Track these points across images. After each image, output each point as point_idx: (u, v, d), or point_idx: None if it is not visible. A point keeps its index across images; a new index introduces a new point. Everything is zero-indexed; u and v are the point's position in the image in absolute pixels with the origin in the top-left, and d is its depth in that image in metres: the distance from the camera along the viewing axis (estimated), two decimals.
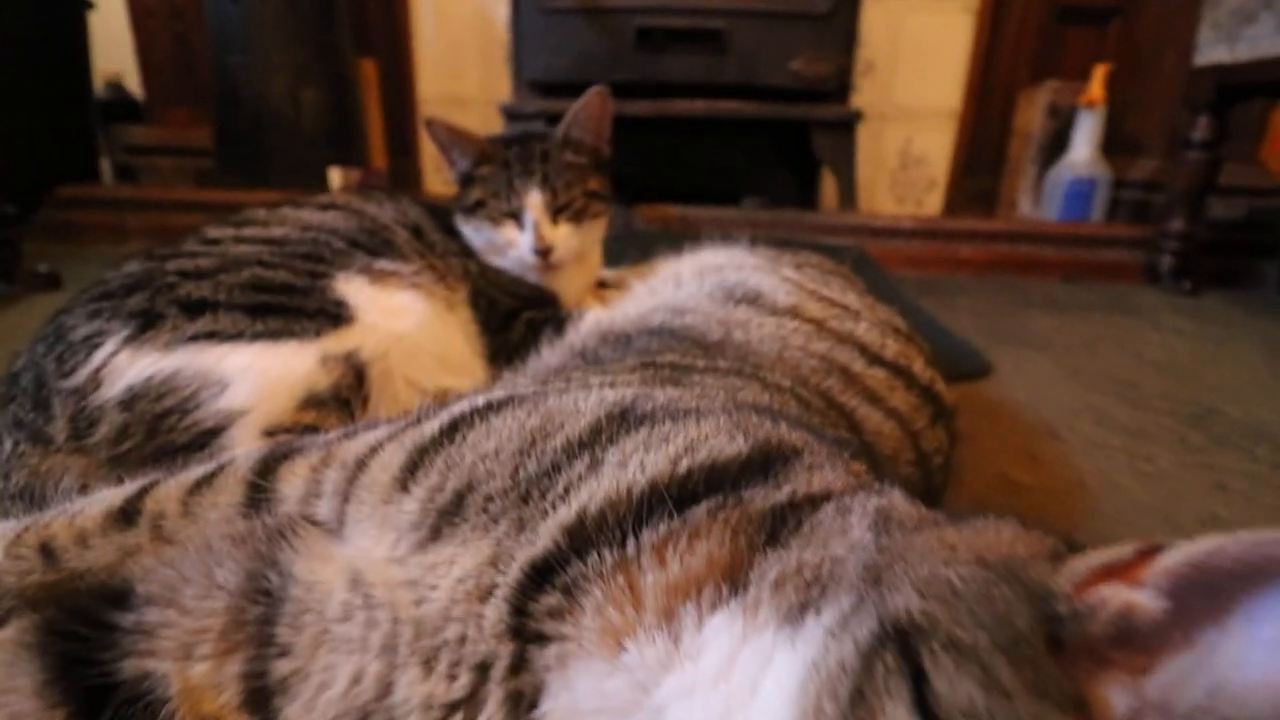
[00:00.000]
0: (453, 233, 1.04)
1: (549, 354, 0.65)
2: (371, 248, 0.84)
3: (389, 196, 1.02)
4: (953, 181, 2.93)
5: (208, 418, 0.60)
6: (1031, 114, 2.58)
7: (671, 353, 0.52)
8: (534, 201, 0.98)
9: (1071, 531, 0.70)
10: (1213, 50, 1.73)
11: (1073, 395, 1.08)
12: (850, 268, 1.97)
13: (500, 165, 0.99)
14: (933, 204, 2.99)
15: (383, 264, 0.81)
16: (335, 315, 0.72)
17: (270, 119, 2.26)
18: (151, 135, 2.70)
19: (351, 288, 0.76)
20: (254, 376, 0.62)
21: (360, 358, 0.70)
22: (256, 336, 0.65)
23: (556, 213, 1.00)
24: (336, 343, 0.69)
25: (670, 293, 0.71)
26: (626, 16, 2.04)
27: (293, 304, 0.70)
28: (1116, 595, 0.24)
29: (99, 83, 2.85)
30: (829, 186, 2.88)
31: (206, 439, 0.59)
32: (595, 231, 1.09)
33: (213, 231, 0.83)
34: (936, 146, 2.91)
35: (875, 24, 2.65)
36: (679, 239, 2.06)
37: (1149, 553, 0.25)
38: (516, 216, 0.99)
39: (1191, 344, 1.41)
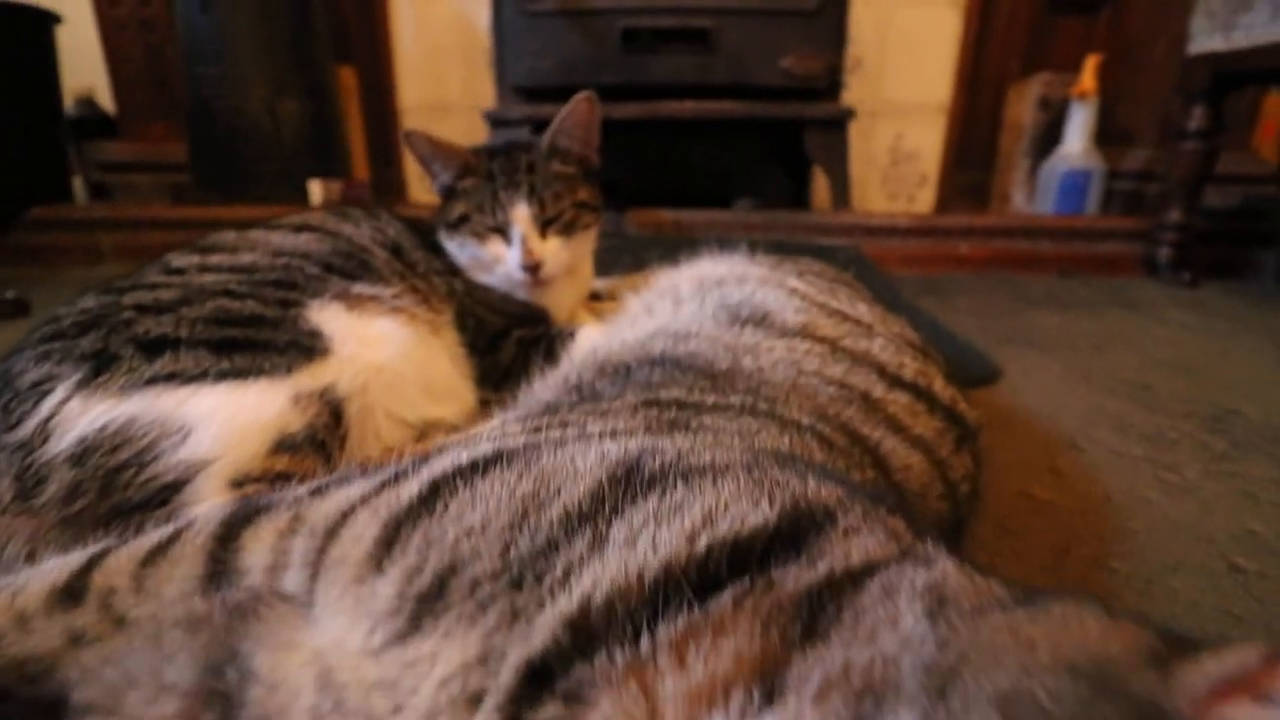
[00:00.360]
0: (436, 249, 0.99)
1: (540, 386, 0.60)
2: (348, 271, 0.79)
3: (366, 214, 0.97)
4: (944, 176, 2.91)
5: (168, 470, 0.54)
6: (1023, 107, 2.55)
7: (676, 386, 0.48)
8: (521, 215, 0.93)
9: (1106, 556, 0.66)
10: (1207, 39, 1.70)
11: (1086, 400, 1.05)
12: (847, 268, 1.93)
13: (484, 178, 0.94)
14: (925, 199, 2.96)
15: (360, 289, 0.76)
16: (309, 348, 0.66)
17: (246, 132, 2.20)
18: (125, 151, 2.63)
19: (326, 316, 0.71)
20: (219, 421, 0.57)
21: (337, 394, 0.65)
22: (222, 376, 0.60)
23: (545, 226, 0.95)
24: (311, 378, 0.64)
25: (669, 312, 0.66)
26: (611, 17, 1.99)
27: (262, 338, 0.64)
28: (1245, 717, 0.20)
29: (70, 99, 2.77)
30: (821, 185, 2.84)
31: (167, 494, 0.54)
32: (586, 243, 1.04)
33: (177, 260, 0.78)
34: (927, 141, 2.89)
35: (862, 20, 2.61)
36: (672, 244, 2.02)
37: (1277, 660, 0.21)
38: (503, 231, 0.94)
39: (1199, 340, 1.38)
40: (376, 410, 0.69)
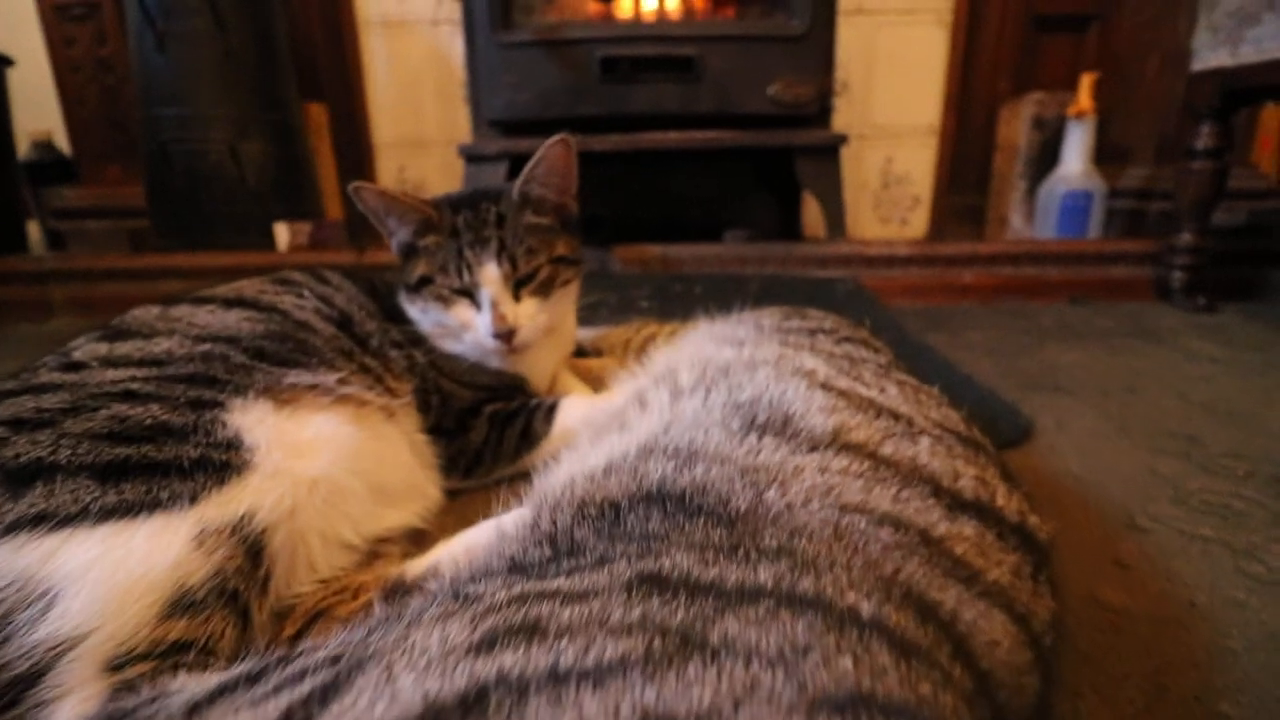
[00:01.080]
0: (397, 315, 0.87)
1: (509, 523, 0.48)
2: (282, 357, 0.67)
3: (314, 279, 0.85)
4: (937, 199, 2.84)
5: (21, 655, 0.42)
6: (1016, 127, 2.48)
7: (682, 546, 0.36)
8: (490, 276, 0.81)
9: (1210, 694, 0.54)
10: (1211, 54, 1.63)
11: (1132, 459, 0.93)
12: (847, 303, 1.83)
13: (448, 234, 0.83)
14: (918, 222, 2.88)
15: (295, 378, 0.64)
16: (222, 465, 0.54)
17: (208, 175, 2.08)
18: (82, 197, 2.50)
19: (250, 419, 0.58)
20: (95, 580, 0.44)
21: (256, 524, 0.52)
22: (105, 514, 0.47)
23: (518, 286, 0.84)
24: (221, 508, 0.51)
25: (667, 408, 0.55)
26: (589, 47, 1.91)
27: (162, 456, 0.52)
28: None
29: (26, 143, 2.65)
30: (811, 213, 2.76)
31: (20, 689, 0.41)
32: (567, 300, 0.92)
33: (81, 349, 0.65)
34: (919, 164, 2.82)
35: (846, 43, 2.55)
36: (662, 282, 1.91)
37: None
38: (471, 294, 0.83)
39: (1233, 377, 1.27)
40: (310, 536, 0.57)
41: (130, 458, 0.51)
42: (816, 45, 1.93)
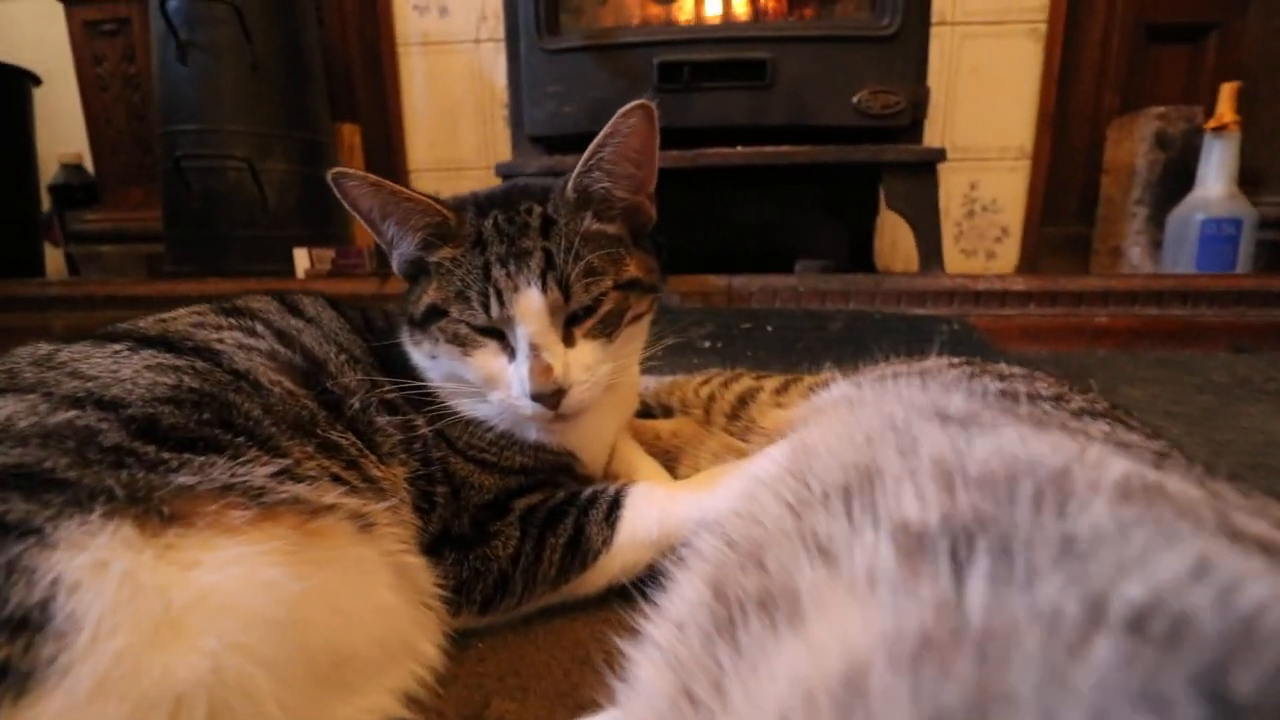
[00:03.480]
0: (397, 363, 0.61)
1: None
2: (184, 437, 0.40)
3: (282, 310, 0.60)
4: (1029, 229, 2.51)
5: None
6: (1130, 146, 2.16)
7: None
8: (531, 308, 0.54)
9: None
10: None
11: None
12: (956, 347, 1.52)
13: (471, 246, 0.57)
14: (1007, 255, 2.56)
15: (193, 476, 0.37)
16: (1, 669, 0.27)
17: (225, 195, 1.90)
18: (102, 220, 2.37)
19: (87, 559, 0.31)
20: None
21: None
22: None
23: (571, 323, 0.57)
24: None
25: (895, 579, 0.25)
26: (645, 51, 1.68)
27: None
28: None
29: (55, 165, 2.55)
30: (885, 243, 2.47)
31: None
32: (635, 343, 0.65)
33: None
34: (1007, 190, 2.51)
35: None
36: (726, 318, 1.63)
37: None
38: (502, 334, 0.56)
39: None
40: None
41: None
42: (909, 47, 1.67)
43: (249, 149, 1.90)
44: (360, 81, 2.54)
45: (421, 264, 0.59)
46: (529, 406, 0.55)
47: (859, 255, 2.26)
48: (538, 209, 0.57)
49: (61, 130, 2.53)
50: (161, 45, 1.87)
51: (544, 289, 0.54)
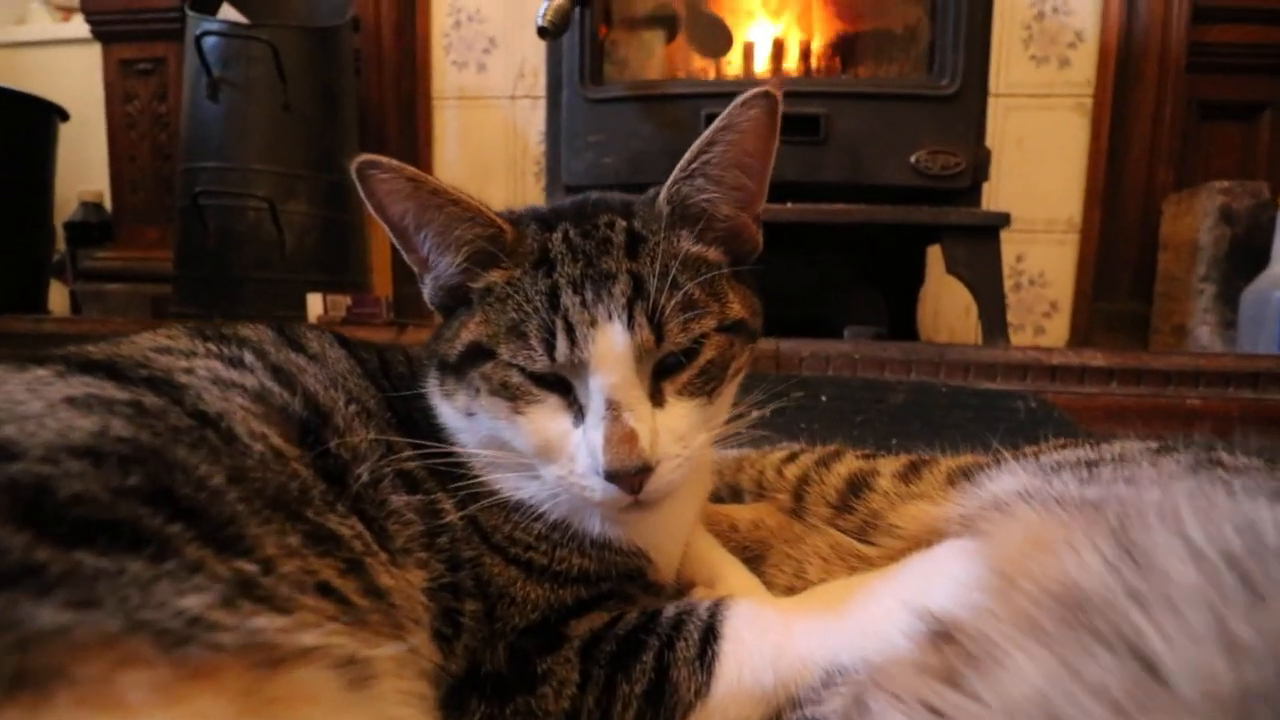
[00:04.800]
0: (420, 420, 0.46)
1: None
2: (84, 520, 0.25)
3: (279, 342, 0.45)
4: (1079, 304, 2.38)
5: None
6: (1190, 222, 2.06)
7: None
8: (614, 350, 0.39)
9: None
10: None
11: None
12: (1036, 427, 1.34)
13: (533, 266, 0.42)
14: (1056, 331, 2.42)
15: (65, 613, 0.22)
16: None
17: (243, 235, 1.81)
18: (113, 258, 2.29)
19: None
20: None
21: None
22: None
23: (662, 375, 0.42)
24: None
25: None
26: (692, 103, 1.61)
27: None
28: None
29: (75, 202, 2.50)
30: (928, 313, 2.35)
31: None
32: (726, 405, 0.49)
33: None
34: (1055, 263, 2.39)
35: None
36: (772, 385, 1.48)
37: None
38: (567, 385, 0.41)
39: None
40: None
41: None
42: (969, 107, 1.59)
43: (272, 189, 1.82)
44: (393, 134, 2.52)
45: (462, 292, 0.45)
46: (599, 488, 0.39)
47: (900, 324, 2.13)
48: (621, 222, 0.43)
49: (88, 169, 2.49)
50: (193, 81, 1.82)
51: (630, 325, 0.39)
